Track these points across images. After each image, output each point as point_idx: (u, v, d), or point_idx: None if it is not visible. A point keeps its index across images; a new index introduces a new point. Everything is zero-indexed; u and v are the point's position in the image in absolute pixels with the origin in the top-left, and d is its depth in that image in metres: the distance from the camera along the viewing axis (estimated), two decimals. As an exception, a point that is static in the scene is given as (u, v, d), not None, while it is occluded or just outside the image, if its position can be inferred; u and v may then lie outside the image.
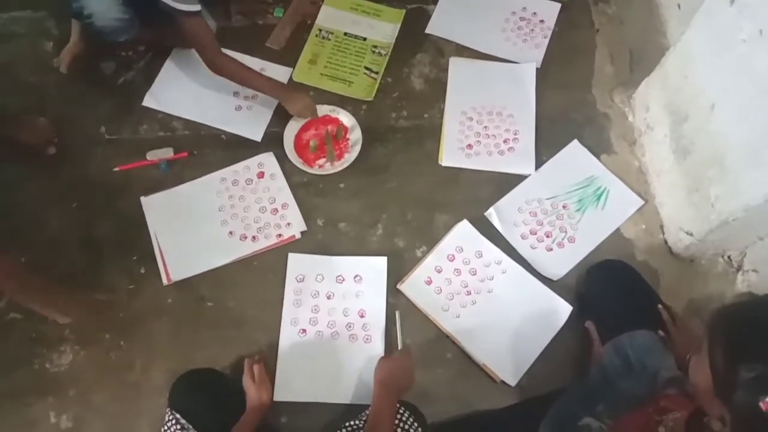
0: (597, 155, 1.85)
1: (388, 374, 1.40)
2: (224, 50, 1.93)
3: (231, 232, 1.73)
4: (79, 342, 1.62)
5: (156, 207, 1.76)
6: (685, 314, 1.61)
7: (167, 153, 1.84)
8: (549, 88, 1.96)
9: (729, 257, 1.66)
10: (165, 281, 1.67)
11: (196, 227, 1.74)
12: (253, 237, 1.73)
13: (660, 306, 1.49)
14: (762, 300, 0.95)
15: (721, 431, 0.86)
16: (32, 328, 1.64)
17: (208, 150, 1.86)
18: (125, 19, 1.73)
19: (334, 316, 1.63)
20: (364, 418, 1.35)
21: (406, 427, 1.33)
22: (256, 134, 1.88)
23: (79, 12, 1.74)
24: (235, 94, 1.92)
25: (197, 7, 1.60)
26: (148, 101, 1.93)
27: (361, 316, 1.63)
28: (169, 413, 1.38)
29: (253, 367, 1.48)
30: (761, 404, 0.79)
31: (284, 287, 1.66)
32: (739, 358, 0.84)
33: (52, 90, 1.97)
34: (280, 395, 1.51)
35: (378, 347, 1.59)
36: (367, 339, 1.60)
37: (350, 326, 1.62)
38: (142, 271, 1.70)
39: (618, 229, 1.75)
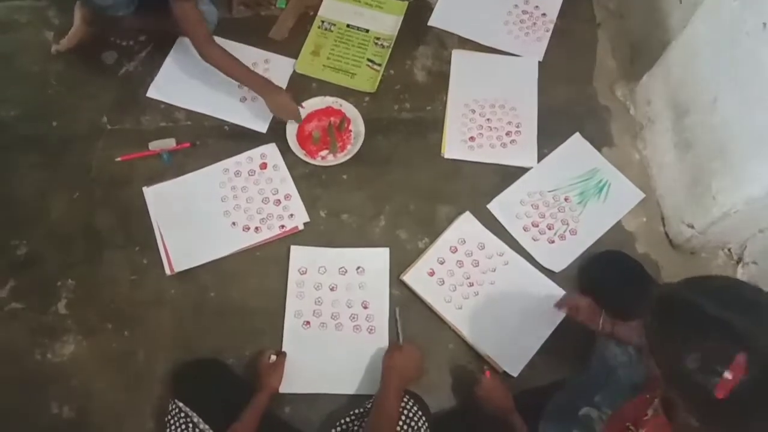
0: (598, 148, 1.86)
1: (398, 363, 1.41)
2: (226, 41, 1.94)
3: (234, 223, 1.73)
4: (81, 332, 1.62)
5: (158, 197, 1.76)
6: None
7: (170, 143, 1.83)
8: (551, 81, 1.96)
9: (729, 250, 1.69)
10: (167, 272, 1.67)
11: (199, 218, 1.74)
12: (256, 228, 1.73)
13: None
14: (672, 288, 0.91)
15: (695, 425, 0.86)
16: (34, 319, 1.64)
17: (211, 141, 1.86)
18: None
19: (338, 307, 1.63)
20: (369, 406, 1.36)
21: (411, 414, 1.34)
22: (261, 125, 1.87)
23: None
24: (240, 86, 1.91)
25: None
26: (152, 92, 1.92)
27: (365, 308, 1.63)
28: (173, 403, 1.39)
29: (269, 355, 1.50)
30: (716, 393, 0.78)
31: (287, 278, 1.67)
32: (678, 352, 0.82)
33: (53, 80, 1.96)
34: (284, 387, 1.51)
35: (382, 338, 1.59)
36: (371, 330, 1.61)
37: (354, 317, 1.62)
38: (145, 261, 1.70)
39: (619, 222, 1.76)
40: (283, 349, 1.58)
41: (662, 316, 0.88)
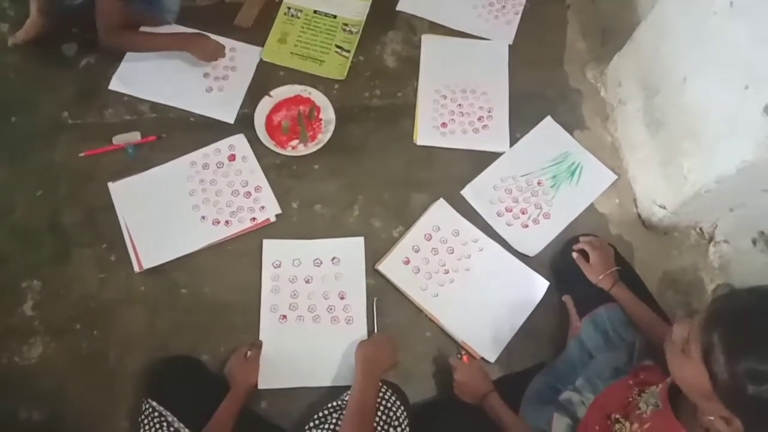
0: (570, 131, 1.85)
1: (369, 354, 1.41)
2: (189, 30, 1.89)
3: (203, 217, 1.69)
4: (49, 333, 1.58)
5: (124, 193, 1.71)
6: (660, 287, 1.64)
7: (134, 137, 1.78)
8: (521, 64, 1.95)
9: (701, 229, 1.70)
10: (136, 269, 1.63)
11: (167, 213, 1.69)
12: (227, 221, 1.69)
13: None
14: (752, 292, 0.90)
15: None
16: (-1, 321, 1.59)
17: (177, 133, 1.81)
18: None
19: (314, 299, 1.61)
20: (345, 399, 1.34)
21: (389, 405, 1.33)
22: (229, 116, 1.83)
23: None
24: (206, 75, 1.87)
25: None
26: (115, 84, 1.86)
27: (342, 298, 1.61)
28: (146, 403, 1.36)
29: (246, 351, 1.48)
30: None
31: (260, 271, 1.64)
32: (741, 360, 0.82)
33: (11, 73, 1.90)
34: (264, 383, 1.49)
35: (361, 328, 1.58)
36: (349, 320, 1.59)
37: (331, 309, 1.60)
38: (113, 258, 1.65)
39: (592, 204, 1.76)
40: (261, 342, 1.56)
41: (737, 325, 0.85)
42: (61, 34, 1.94)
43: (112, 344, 1.57)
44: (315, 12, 2.02)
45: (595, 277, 1.44)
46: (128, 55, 1.90)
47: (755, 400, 0.80)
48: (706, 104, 1.42)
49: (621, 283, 1.41)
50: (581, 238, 1.54)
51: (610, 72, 1.88)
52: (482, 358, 1.55)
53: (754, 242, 1.51)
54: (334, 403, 1.36)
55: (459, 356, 1.47)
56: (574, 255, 1.51)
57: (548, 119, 1.86)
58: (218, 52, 1.82)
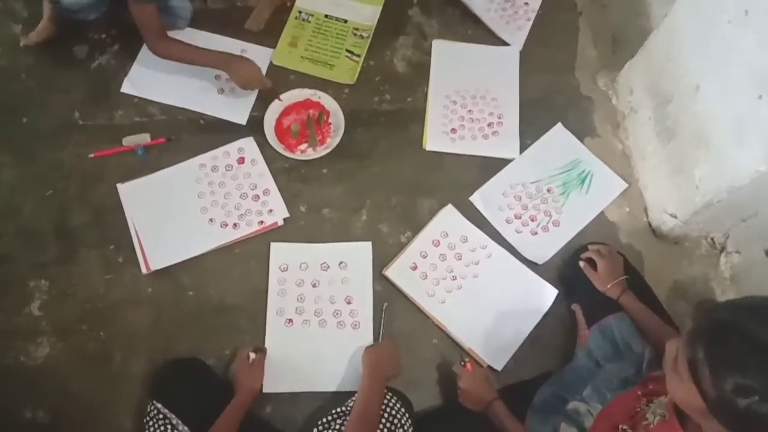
0: (581, 138, 1.84)
1: (376, 361, 1.40)
2: (201, 33, 1.91)
3: (211, 220, 1.69)
4: (55, 334, 1.58)
5: (133, 194, 1.72)
6: (670, 296, 1.62)
7: (144, 139, 1.79)
8: (532, 71, 1.94)
9: (712, 239, 1.68)
10: (144, 270, 1.63)
11: (175, 215, 1.70)
12: (234, 224, 1.69)
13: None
14: (728, 306, 0.90)
15: None
16: (6, 320, 1.59)
17: (187, 135, 1.81)
18: None
19: (321, 304, 1.61)
20: (350, 405, 1.34)
21: (393, 412, 1.32)
22: (241, 117, 1.83)
23: None
24: (217, 77, 1.87)
25: None
26: (127, 87, 1.87)
27: (348, 303, 1.60)
28: (151, 404, 1.36)
29: (249, 354, 1.47)
30: None
31: (267, 275, 1.63)
32: (726, 376, 0.81)
33: (23, 74, 1.91)
34: (269, 387, 1.48)
35: (367, 333, 1.57)
36: (355, 325, 1.58)
37: (338, 313, 1.59)
38: (120, 260, 1.66)
39: (602, 213, 1.74)
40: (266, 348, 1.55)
41: (718, 342, 0.84)
42: (73, 35, 1.94)
43: (118, 345, 1.57)
44: (326, 16, 2.02)
45: (602, 286, 1.42)
46: (140, 56, 1.91)
47: (747, 414, 0.79)
48: (719, 113, 1.40)
49: (629, 292, 1.40)
50: (590, 247, 1.53)
51: (621, 80, 1.86)
52: (489, 366, 1.54)
53: (767, 253, 1.49)
54: (339, 409, 1.36)
55: (463, 364, 1.46)
56: (581, 264, 1.50)
57: (559, 126, 1.85)
58: (257, 79, 1.74)
